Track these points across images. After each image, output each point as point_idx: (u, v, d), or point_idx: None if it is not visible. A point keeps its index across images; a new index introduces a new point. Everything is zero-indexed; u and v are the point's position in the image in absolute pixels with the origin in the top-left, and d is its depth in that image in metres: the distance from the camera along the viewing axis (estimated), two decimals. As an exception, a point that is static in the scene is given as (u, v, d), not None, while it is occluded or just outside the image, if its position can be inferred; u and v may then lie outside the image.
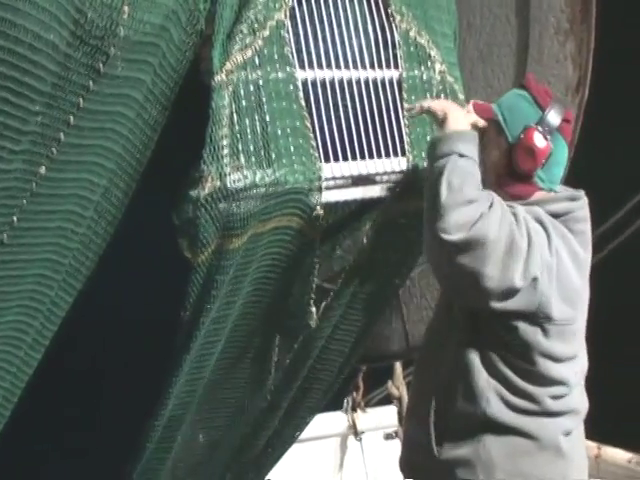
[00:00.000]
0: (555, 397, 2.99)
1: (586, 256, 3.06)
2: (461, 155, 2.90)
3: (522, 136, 2.97)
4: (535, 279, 2.86)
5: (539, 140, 2.96)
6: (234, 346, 3.25)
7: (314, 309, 3.28)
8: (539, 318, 2.91)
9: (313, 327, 3.32)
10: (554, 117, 3.00)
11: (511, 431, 2.96)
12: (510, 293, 2.86)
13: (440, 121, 3.03)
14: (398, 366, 4.68)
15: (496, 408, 2.94)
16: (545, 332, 2.93)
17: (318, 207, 3.08)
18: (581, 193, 3.08)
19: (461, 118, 3.02)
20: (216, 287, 2.94)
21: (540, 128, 2.97)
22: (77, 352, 3.42)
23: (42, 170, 2.42)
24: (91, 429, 3.62)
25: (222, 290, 2.98)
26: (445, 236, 2.80)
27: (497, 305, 2.87)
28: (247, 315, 3.19)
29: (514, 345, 2.93)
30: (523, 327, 2.91)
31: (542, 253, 2.89)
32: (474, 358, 2.95)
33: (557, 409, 3.00)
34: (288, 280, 3.22)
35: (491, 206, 2.85)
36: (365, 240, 3.42)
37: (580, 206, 3.04)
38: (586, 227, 3.06)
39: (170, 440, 3.25)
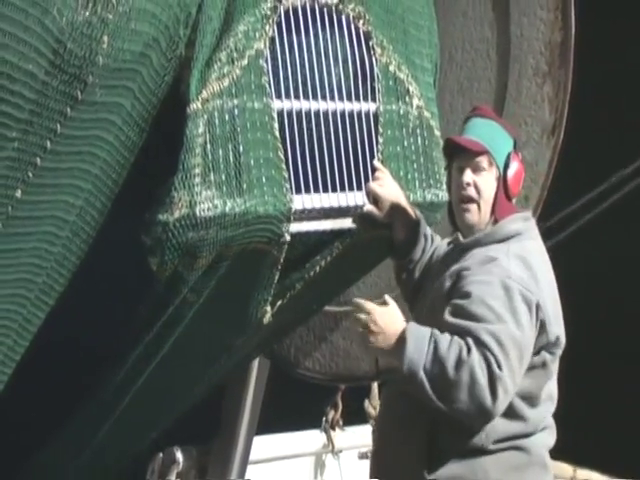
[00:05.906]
0: (545, 416, 3.13)
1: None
2: (424, 366, 2.91)
3: (510, 163, 3.17)
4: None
5: (519, 164, 3.21)
6: (182, 343, 3.22)
7: (269, 308, 3.29)
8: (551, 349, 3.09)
9: (265, 323, 3.32)
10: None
11: (507, 449, 3.06)
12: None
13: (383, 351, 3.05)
14: (375, 386, 4.69)
15: (494, 438, 3.03)
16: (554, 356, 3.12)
17: (286, 234, 3.09)
18: (529, 213, 3.30)
19: (396, 319, 3.03)
20: (174, 302, 2.96)
21: (517, 153, 3.21)
22: (46, 368, 3.43)
23: (18, 194, 2.40)
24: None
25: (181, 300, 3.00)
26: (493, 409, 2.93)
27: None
28: (201, 316, 3.17)
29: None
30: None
31: (540, 303, 3.01)
32: None
33: (543, 425, 3.13)
34: (247, 288, 3.22)
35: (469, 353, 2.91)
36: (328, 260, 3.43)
37: (532, 226, 3.23)
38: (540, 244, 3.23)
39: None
